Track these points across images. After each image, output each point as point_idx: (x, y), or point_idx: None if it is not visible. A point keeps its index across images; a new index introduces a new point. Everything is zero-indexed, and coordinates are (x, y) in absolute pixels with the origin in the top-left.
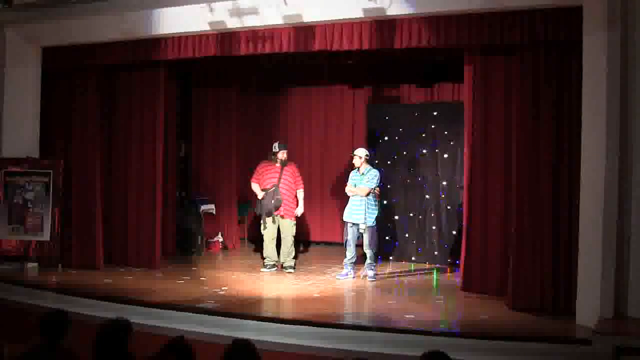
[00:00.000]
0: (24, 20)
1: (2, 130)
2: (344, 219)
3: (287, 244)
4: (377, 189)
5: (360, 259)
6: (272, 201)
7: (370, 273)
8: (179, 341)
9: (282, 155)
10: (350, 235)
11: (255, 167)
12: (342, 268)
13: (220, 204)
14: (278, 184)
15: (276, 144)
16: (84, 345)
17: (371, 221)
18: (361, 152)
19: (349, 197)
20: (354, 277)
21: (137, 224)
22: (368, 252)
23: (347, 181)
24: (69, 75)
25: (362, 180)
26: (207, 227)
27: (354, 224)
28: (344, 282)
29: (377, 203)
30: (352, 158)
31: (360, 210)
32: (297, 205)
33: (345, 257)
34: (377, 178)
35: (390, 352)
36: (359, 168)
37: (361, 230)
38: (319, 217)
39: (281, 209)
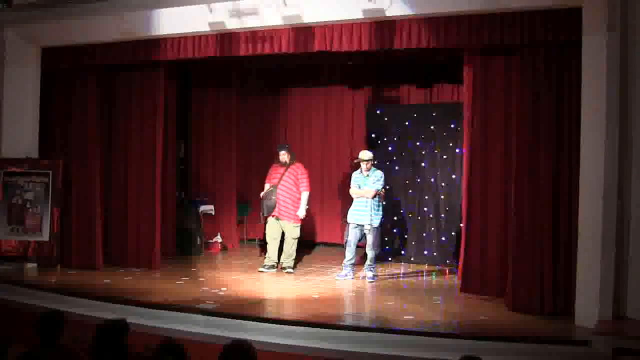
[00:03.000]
0: (23, 20)
1: (2, 130)
2: (348, 221)
3: (287, 245)
4: (383, 190)
5: (360, 260)
6: (266, 201)
7: (370, 274)
8: (171, 341)
9: (282, 156)
10: (352, 236)
11: (269, 169)
12: (342, 269)
13: (219, 204)
14: (277, 185)
15: (278, 145)
16: (83, 346)
17: (378, 222)
18: (369, 155)
19: (352, 198)
20: (352, 278)
21: (136, 225)
22: (370, 253)
23: (349, 182)
24: (68, 76)
25: (367, 182)
26: (207, 227)
27: (358, 225)
28: (344, 283)
29: (381, 204)
30: (357, 164)
31: (365, 212)
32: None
33: (345, 257)
34: (383, 179)
35: (390, 353)
36: (362, 169)
37: (365, 231)
38: (319, 218)
39: (276, 210)
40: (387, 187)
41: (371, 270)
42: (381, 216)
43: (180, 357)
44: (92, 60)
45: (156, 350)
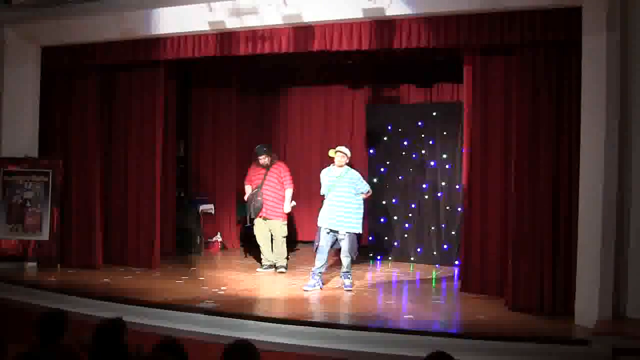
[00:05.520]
0: (23, 20)
1: (1, 129)
2: (320, 224)
3: (277, 245)
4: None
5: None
6: (253, 203)
7: (347, 282)
8: (171, 341)
9: (263, 160)
10: (324, 241)
11: (247, 169)
12: (310, 278)
13: (219, 204)
14: (261, 185)
15: (256, 148)
16: (83, 345)
17: (359, 228)
18: (347, 150)
19: (331, 199)
20: (322, 288)
21: (136, 224)
22: (345, 260)
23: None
24: (68, 75)
25: (344, 183)
26: (206, 227)
27: (332, 230)
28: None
29: (361, 207)
30: (331, 158)
31: (343, 216)
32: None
33: (315, 265)
34: (363, 179)
35: (389, 353)
36: (331, 167)
37: (339, 237)
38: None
39: (263, 210)
40: (383, 186)
41: (348, 278)
42: (362, 220)
43: (180, 356)
44: (92, 59)
45: (156, 349)
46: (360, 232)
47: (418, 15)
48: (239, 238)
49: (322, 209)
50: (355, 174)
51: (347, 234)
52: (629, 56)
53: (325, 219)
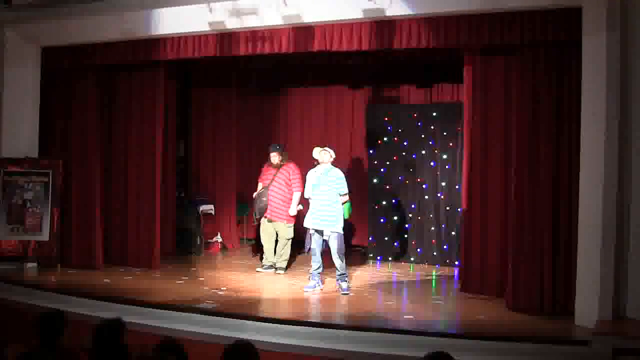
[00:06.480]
0: (23, 20)
1: (2, 130)
2: (306, 226)
3: (279, 246)
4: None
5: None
6: (258, 202)
7: (344, 285)
8: (171, 341)
9: (273, 158)
10: (315, 243)
11: (260, 168)
12: (309, 279)
13: (219, 204)
14: (268, 186)
15: (270, 146)
16: (83, 346)
17: (342, 227)
18: (332, 150)
19: (315, 199)
20: (322, 288)
21: (136, 224)
22: (337, 262)
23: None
24: (68, 75)
25: (326, 181)
26: (206, 227)
27: (317, 231)
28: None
29: (342, 206)
30: (314, 161)
31: (326, 216)
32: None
33: (312, 267)
34: (344, 180)
35: (389, 353)
36: (317, 167)
37: (326, 238)
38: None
39: (268, 211)
40: (384, 186)
41: (344, 281)
42: (343, 220)
43: (180, 356)
44: (92, 60)
45: (156, 349)
46: (342, 232)
47: (418, 16)
48: (250, 237)
49: (309, 210)
50: (338, 173)
51: (332, 234)
52: (629, 56)
53: (310, 219)
